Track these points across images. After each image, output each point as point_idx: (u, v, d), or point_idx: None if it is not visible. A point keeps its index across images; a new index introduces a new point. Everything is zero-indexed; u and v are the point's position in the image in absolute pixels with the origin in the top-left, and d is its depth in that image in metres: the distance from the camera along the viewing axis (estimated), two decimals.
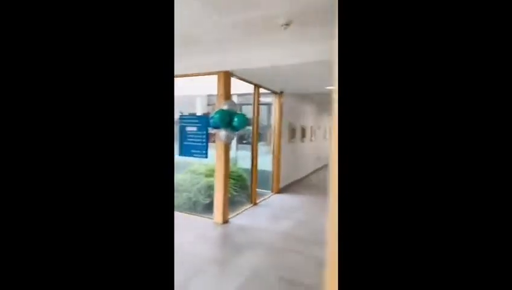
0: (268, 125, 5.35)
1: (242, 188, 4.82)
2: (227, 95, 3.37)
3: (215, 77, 3.44)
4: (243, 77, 3.75)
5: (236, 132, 3.30)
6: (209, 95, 5.93)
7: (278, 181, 5.23)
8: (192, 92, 5.65)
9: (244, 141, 6.22)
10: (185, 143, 3.61)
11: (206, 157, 3.50)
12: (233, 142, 6.11)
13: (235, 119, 3.07)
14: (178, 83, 4.41)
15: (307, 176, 7.15)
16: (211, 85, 4.61)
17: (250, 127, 4.33)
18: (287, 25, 2.30)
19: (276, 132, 5.10)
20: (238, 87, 4.11)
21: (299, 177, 6.55)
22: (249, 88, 4.47)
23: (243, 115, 3.16)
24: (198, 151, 3.54)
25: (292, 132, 5.76)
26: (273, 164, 5.16)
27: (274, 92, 5.00)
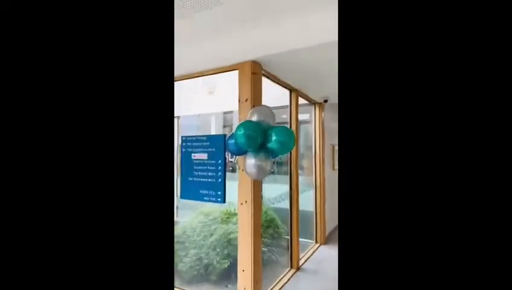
0: (306, 149, 3.97)
1: (274, 239, 3.37)
2: (256, 99, 2.07)
3: (233, 87, 2.17)
4: (275, 73, 2.45)
5: (275, 158, 1.95)
6: (225, 113, 4.66)
7: (324, 226, 3.73)
8: (204, 109, 4.44)
9: (272, 170, 4.83)
10: (190, 179, 2.28)
11: (223, 201, 2.14)
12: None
13: (273, 136, 1.73)
14: (183, 95, 3.24)
15: None
16: (227, 98, 3.38)
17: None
18: None
19: (318, 157, 3.70)
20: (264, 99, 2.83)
21: None
22: (280, 99, 3.17)
23: (287, 129, 1.81)
24: (211, 193, 2.19)
25: (333, 156, 4.33)
26: (316, 202, 3.70)
27: (314, 103, 3.67)
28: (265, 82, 2.42)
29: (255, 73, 2.04)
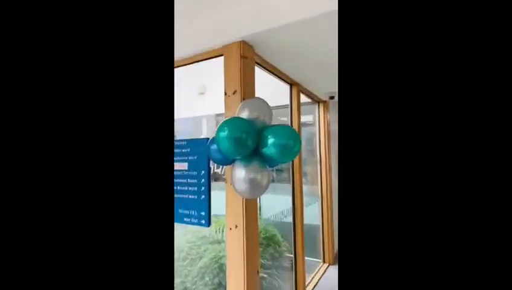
0: (311, 155, 3.49)
1: (274, 259, 2.87)
2: (247, 90, 1.59)
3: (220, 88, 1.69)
4: (270, 60, 1.98)
5: (272, 168, 1.48)
6: (218, 115, 4.17)
7: (332, 243, 3.22)
8: (194, 111, 3.98)
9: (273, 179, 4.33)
10: None
11: (207, 225, 1.65)
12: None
13: (270, 138, 1.25)
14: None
15: None
16: (220, 99, 2.90)
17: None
18: None
19: (324, 163, 3.22)
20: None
21: None
22: (277, 97, 2.70)
23: (289, 129, 1.33)
24: (192, 213, 1.70)
25: None
26: (323, 214, 3.20)
27: (318, 101, 3.20)
28: (260, 75, 1.95)
29: (245, 57, 1.57)
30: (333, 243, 3.23)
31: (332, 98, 2.95)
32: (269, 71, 2.05)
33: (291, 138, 1.26)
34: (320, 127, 3.25)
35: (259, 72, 2.03)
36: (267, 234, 2.97)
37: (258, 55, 1.77)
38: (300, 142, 1.28)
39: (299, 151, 1.28)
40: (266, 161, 1.31)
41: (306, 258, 2.87)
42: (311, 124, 3.51)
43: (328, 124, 3.28)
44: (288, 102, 2.52)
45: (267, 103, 1.40)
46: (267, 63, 1.93)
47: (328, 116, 3.27)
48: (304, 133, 4.01)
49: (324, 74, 2.33)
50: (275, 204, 3.49)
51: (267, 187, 1.34)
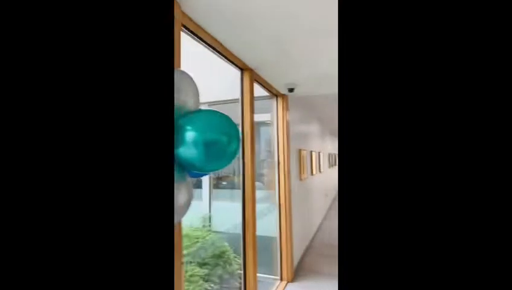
0: (267, 155, 3.06)
1: (222, 281, 2.39)
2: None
3: None
4: (203, 24, 1.49)
5: (201, 176, 0.99)
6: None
7: (291, 257, 2.83)
8: None
9: (224, 182, 3.81)
10: None
11: None
12: (206, 183, 3.65)
13: (187, 131, 0.76)
14: None
15: (319, 227, 4.81)
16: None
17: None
18: None
19: (283, 166, 2.82)
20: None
21: (312, 235, 4.18)
22: (224, 89, 2.22)
23: (219, 116, 0.85)
24: None
25: (302, 163, 3.49)
26: (281, 224, 2.79)
27: (275, 94, 2.79)
28: (209, 57, 1.46)
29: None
30: (292, 257, 2.84)
31: (291, 90, 2.55)
32: (211, 47, 1.55)
33: (223, 131, 0.78)
34: (278, 125, 2.84)
35: (208, 55, 1.54)
36: (216, 252, 2.48)
37: (188, 17, 1.27)
38: (238, 138, 0.81)
39: (236, 153, 0.81)
40: (184, 169, 0.81)
41: (260, 275, 2.44)
42: (270, 124, 3.10)
43: (288, 122, 2.89)
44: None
45: (191, 78, 0.90)
46: (204, 32, 1.44)
47: (288, 116, 2.88)
48: (263, 133, 3.60)
49: (282, 57, 1.90)
50: (229, 214, 3.01)
51: (187, 208, 0.84)
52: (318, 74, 2.28)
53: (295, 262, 3.00)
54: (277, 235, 2.79)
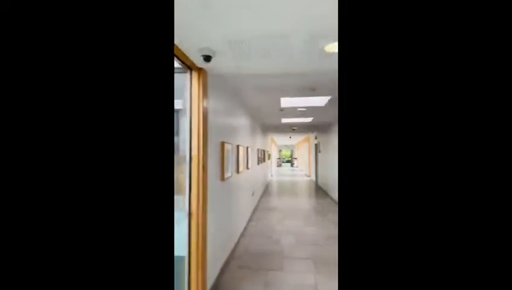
0: (177, 150, 2.33)
1: None
2: None
3: None
4: None
5: None
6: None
7: (202, 278, 2.18)
8: None
9: None
10: None
11: None
12: None
13: None
14: None
15: (244, 231, 4.31)
16: None
17: None
18: None
19: (196, 162, 2.14)
20: None
21: (235, 242, 3.63)
22: None
23: None
24: None
25: (223, 158, 2.88)
26: (191, 241, 2.12)
27: (189, 67, 2.08)
28: None
29: None
30: (205, 279, 2.20)
31: (208, 59, 1.87)
32: None
33: None
34: (192, 107, 2.15)
35: None
36: None
37: None
38: None
39: None
40: None
41: None
42: (182, 114, 2.38)
43: (206, 107, 2.22)
44: None
45: None
46: None
47: (204, 92, 2.21)
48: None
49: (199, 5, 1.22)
50: None
51: None
52: (250, 34, 1.66)
53: (209, 283, 2.37)
54: (185, 253, 2.11)
